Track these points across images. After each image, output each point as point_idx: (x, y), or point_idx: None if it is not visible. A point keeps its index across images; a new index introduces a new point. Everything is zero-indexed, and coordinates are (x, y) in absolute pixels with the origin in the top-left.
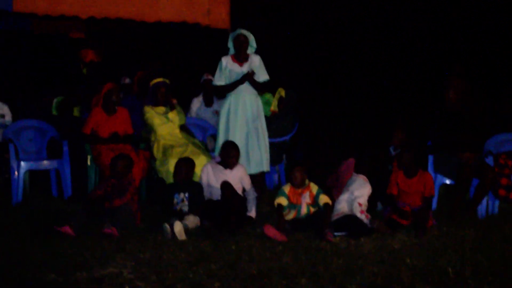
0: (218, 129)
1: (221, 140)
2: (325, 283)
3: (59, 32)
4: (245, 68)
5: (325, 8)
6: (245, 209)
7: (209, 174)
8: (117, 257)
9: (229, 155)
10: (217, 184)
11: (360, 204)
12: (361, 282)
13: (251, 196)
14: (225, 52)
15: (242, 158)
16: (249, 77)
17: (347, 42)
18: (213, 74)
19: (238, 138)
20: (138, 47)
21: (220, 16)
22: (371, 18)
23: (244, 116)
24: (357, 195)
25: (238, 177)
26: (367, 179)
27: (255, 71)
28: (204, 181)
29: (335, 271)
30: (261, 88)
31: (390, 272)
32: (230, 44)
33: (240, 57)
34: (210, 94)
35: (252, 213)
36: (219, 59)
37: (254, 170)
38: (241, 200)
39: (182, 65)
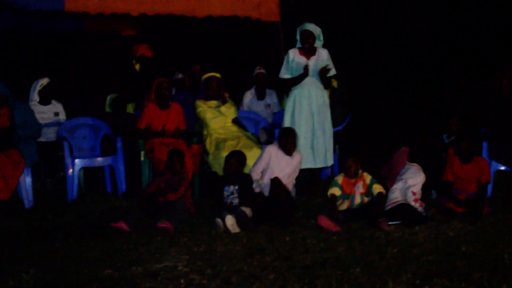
0: (283, 123)
1: (287, 124)
2: (379, 272)
3: (111, 31)
4: (312, 62)
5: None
6: (293, 203)
7: (272, 156)
8: (171, 251)
9: (288, 142)
10: (278, 167)
11: (414, 193)
12: (416, 271)
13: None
14: (276, 45)
15: (307, 152)
16: (323, 72)
17: (401, 31)
18: (264, 67)
19: (303, 132)
20: (190, 42)
21: (270, 9)
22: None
23: (309, 110)
24: (410, 183)
25: (295, 165)
26: (420, 168)
27: (321, 63)
28: (266, 160)
29: (389, 260)
30: (327, 82)
31: (446, 260)
32: (298, 38)
33: (307, 50)
34: (262, 87)
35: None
36: (270, 52)
37: (320, 164)
38: (289, 195)
39: (234, 59)
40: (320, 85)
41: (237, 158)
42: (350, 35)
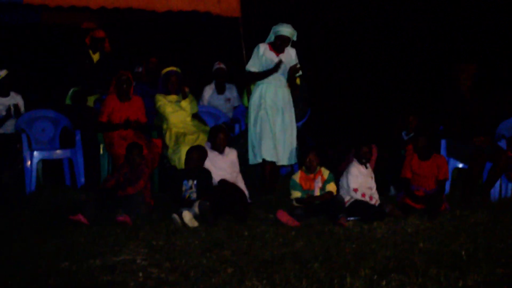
0: (247, 118)
1: (251, 129)
2: (338, 267)
3: (70, 23)
4: (282, 58)
5: None
6: (246, 198)
7: (208, 158)
8: (130, 245)
9: (217, 139)
10: (213, 169)
11: (355, 190)
12: (374, 266)
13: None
14: (236, 40)
15: (271, 147)
16: (293, 71)
17: (360, 27)
18: (224, 62)
19: (268, 127)
20: (150, 37)
21: (230, 5)
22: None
23: (275, 106)
24: (348, 184)
25: (230, 161)
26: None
27: (288, 62)
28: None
29: (348, 256)
30: (294, 82)
31: (404, 256)
32: (272, 36)
33: (279, 48)
34: (222, 81)
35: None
36: (230, 47)
37: (284, 161)
38: (241, 192)
39: (194, 54)
40: (285, 83)
41: (198, 153)
42: (307, 29)
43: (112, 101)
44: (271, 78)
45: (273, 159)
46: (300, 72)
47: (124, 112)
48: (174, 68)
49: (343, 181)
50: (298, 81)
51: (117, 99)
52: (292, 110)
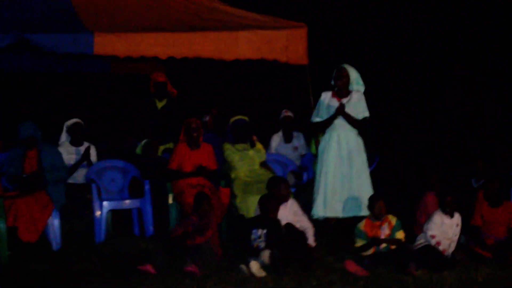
0: (318, 167)
1: (317, 179)
2: None
3: (139, 73)
4: (344, 102)
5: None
6: (308, 246)
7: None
8: None
9: (279, 190)
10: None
11: (432, 236)
12: None
13: (310, 230)
14: (303, 88)
15: (334, 199)
16: (339, 110)
17: (429, 75)
18: (291, 110)
19: (331, 178)
20: (218, 85)
21: (297, 53)
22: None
23: (338, 154)
24: (428, 231)
25: (292, 211)
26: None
27: (353, 106)
28: None
29: None
30: (359, 125)
31: None
32: (333, 81)
33: (341, 93)
34: (290, 129)
35: (311, 241)
36: (298, 95)
37: (348, 213)
38: (303, 238)
39: (261, 102)
40: (352, 129)
41: (274, 202)
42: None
43: (182, 149)
44: (335, 126)
45: (335, 215)
46: (362, 115)
47: (194, 159)
48: (242, 117)
49: (424, 226)
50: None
51: (187, 146)
52: (362, 156)
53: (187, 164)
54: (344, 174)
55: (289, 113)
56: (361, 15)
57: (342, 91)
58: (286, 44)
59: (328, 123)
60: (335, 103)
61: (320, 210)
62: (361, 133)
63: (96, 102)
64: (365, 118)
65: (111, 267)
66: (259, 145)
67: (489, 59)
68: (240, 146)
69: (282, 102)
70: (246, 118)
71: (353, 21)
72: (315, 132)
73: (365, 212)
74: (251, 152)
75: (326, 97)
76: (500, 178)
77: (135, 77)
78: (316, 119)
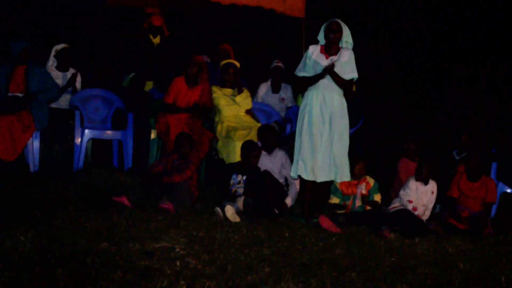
0: (297, 125)
1: (297, 138)
2: (375, 279)
3: (134, 7)
4: (333, 61)
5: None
6: (283, 196)
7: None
8: (170, 233)
9: (265, 139)
10: (262, 167)
11: (409, 201)
12: (411, 282)
13: (293, 188)
14: (298, 41)
15: (309, 166)
16: (327, 70)
17: (420, 39)
18: (283, 61)
19: (310, 140)
20: (211, 28)
21: (295, 4)
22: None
23: (321, 116)
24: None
25: (279, 162)
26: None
27: (342, 66)
28: None
29: (386, 269)
30: (345, 86)
31: (442, 275)
32: (321, 35)
33: (330, 49)
34: (278, 80)
35: (288, 200)
36: (291, 47)
37: (322, 177)
38: (280, 187)
39: (254, 49)
40: (338, 90)
41: (256, 150)
42: (374, 37)
43: (179, 84)
44: (320, 85)
45: (309, 178)
46: (350, 76)
47: (190, 96)
48: (232, 61)
49: (400, 192)
50: (353, 87)
51: (184, 82)
52: (345, 120)
53: (182, 100)
54: (324, 137)
55: (280, 64)
56: (428, 18)
57: (332, 47)
58: None
59: (314, 80)
60: (323, 60)
61: (299, 171)
62: (346, 94)
63: (88, 31)
64: (352, 79)
65: (86, 195)
66: (246, 93)
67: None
68: (227, 91)
69: (274, 53)
70: (236, 62)
71: (418, 25)
72: (299, 87)
73: (339, 179)
74: (237, 98)
75: (314, 52)
76: (482, 153)
77: (130, 11)
78: (301, 73)
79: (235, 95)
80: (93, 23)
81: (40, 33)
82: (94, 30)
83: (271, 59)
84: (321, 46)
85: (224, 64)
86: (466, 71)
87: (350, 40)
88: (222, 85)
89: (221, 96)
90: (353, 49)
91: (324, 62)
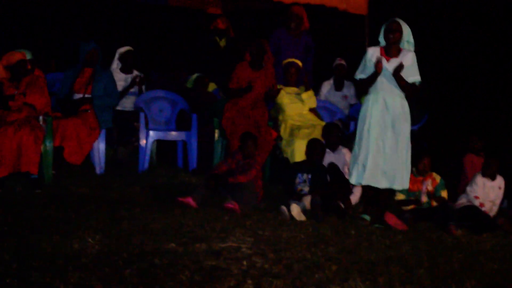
0: (357, 130)
1: (356, 144)
2: (443, 276)
3: (196, 7)
4: (392, 64)
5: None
6: (349, 192)
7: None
8: (236, 232)
9: (331, 137)
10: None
11: (476, 197)
12: (480, 278)
13: (357, 186)
14: (360, 38)
15: (377, 168)
16: (398, 71)
17: (484, 33)
18: (346, 59)
19: (374, 145)
20: (274, 27)
21: (358, 2)
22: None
23: (381, 120)
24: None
25: (343, 160)
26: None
27: (405, 68)
28: None
29: (454, 265)
30: (409, 90)
31: (511, 272)
32: (381, 36)
33: (390, 51)
34: (341, 78)
35: (353, 197)
36: (354, 45)
37: (383, 184)
38: (346, 182)
39: (316, 48)
40: (399, 93)
41: (321, 148)
42: (438, 33)
43: (243, 69)
44: (380, 87)
45: (371, 184)
46: (413, 79)
47: (254, 80)
48: (294, 60)
49: (467, 187)
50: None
51: (249, 67)
52: (406, 125)
53: (246, 84)
54: (387, 143)
55: (343, 62)
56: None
57: (392, 48)
58: None
59: (370, 81)
60: (383, 62)
61: (358, 177)
62: (408, 98)
63: (151, 32)
64: (414, 83)
65: (151, 196)
66: (310, 92)
67: None
68: (290, 89)
69: (337, 50)
70: (298, 61)
71: (479, 24)
72: (360, 90)
73: (398, 186)
74: (304, 95)
75: (374, 54)
76: None
77: (191, 11)
78: (361, 75)
79: (299, 94)
80: (155, 24)
81: (104, 36)
82: (157, 31)
83: (333, 57)
84: (381, 47)
85: (286, 63)
86: None
87: (412, 40)
88: (285, 83)
89: (284, 95)
90: (417, 45)
91: (385, 64)
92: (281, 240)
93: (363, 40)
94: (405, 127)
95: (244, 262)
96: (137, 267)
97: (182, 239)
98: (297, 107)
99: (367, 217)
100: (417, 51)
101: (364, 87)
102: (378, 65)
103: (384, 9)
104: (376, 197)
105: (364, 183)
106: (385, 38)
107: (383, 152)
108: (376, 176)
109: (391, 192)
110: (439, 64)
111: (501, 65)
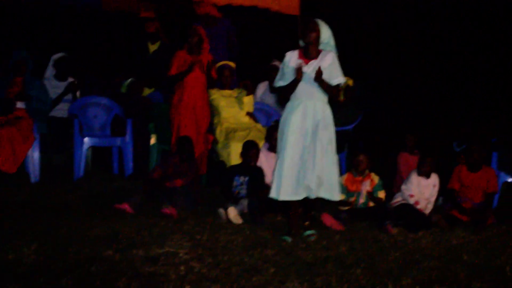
0: (277, 141)
1: (278, 150)
2: (380, 274)
3: (129, 11)
4: (311, 67)
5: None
6: None
7: (262, 160)
8: (174, 237)
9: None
10: (269, 170)
11: (411, 196)
12: (417, 276)
13: None
14: (294, 39)
15: (293, 180)
16: (316, 78)
17: (417, 34)
18: (280, 60)
19: (290, 154)
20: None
21: (290, 2)
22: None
23: (301, 128)
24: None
25: None
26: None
27: (325, 70)
28: (260, 162)
29: (391, 264)
30: (332, 93)
31: (447, 268)
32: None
33: (309, 52)
34: None
35: None
36: (287, 45)
37: (303, 194)
38: None
39: (250, 50)
40: (321, 97)
41: (256, 150)
42: (369, 34)
43: (182, 56)
44: (299, 93)
45: (293, 198)
46: (337, 81)
47: (195, 63)
48: (227, 62)
49: (402, 186)
50: (350, 82)
51: (187, 54)
52: (330, 129)
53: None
54: (306, 152)
55: (277, 63)
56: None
57: (311, 50)
58: None
59: (290, 89)
60: (302, 65)
61: (277, 191)
62: (331, 101)
63: (85, 37)
64: (338, 85)
65: (88, 204)
66: (251, 96)
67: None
68: (226, 92)
69: (271, 52)
70: (231, 63)
71: (372, 21)
72: (279, 99)
73: (329, 196)
74: (242, 99)
75: (292, 58)
76: (482, 143)
77: (126, 16)
78: (280, 83)
79: (235, 96)
80: (89, 29)
81: (38, 42)
82: (91, 36)
83: (268, 58)
84: (299, 50)
85: (219, 67)
86: (464, 64)
87: (332, 42)
88: (221, 87)
89: (220, 98)
90: (351, 44)
91: (304, 67)
92: (219, 244)
93: (297, 40)
94: (326, 134)
95: (182, 268)
96: (74, 275)
97: (119, 245)
98: (233, 111)
99: (288, 239)
100: (351, 49)
101: (284, 95)
102: (298, 72)
103: (316, 9)
104: (300, 209)
105: (281, 198)
106: (302, 38)
107: (301, 161)
108: (294, 189)
109: (313, 206)
110: (373, 63)
111: (434, 63)
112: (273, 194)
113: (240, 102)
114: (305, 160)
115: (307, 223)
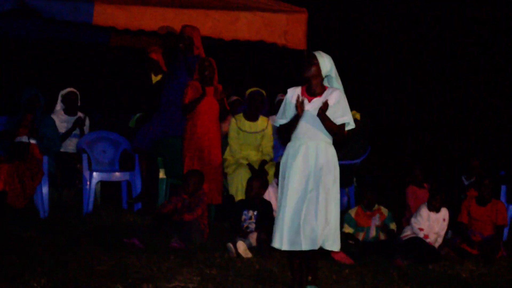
0: (278, 186)
1: (279, 195)
2: None
3: (137, 47)
4: (314, 105)
5: (406, 35)
6: None
7: (271, 196)
8: (183, 272)
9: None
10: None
11: (420, 229)
12: None
13: None
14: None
15: (295, 230)
16: (322, 109)
17: (428, 63)
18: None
19: (291, 203)
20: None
21: (297, 37)
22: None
23: (302, 172)
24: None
25: None
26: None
27: (330, 108)
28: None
29: None
30: (335, 132)
31: None
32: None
33: (312, 89)
34: None
35: None
36: (295, 80)
37: (305, 246)
38: None
39: (258, 85)
40: (324, 138)
41: (260, 182)
42: (378, 68)
43: (195, 85)
44: (301, 133)
45: (293, 248)
46: (342, 120)
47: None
48: (259, 89)
49: (412, 219)
50: (358, 115)
51: (199, 85)
52: (335, 173)
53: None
54: (308, 199)
55: (284, 97)
56: (363, 4)
57: (314, 87)
58: (285, 28)
59: (291, 126)
60: (305, 103)
61: (279, 241)
62: (336, 142)
63: (93, 72)
64: (343, 124)
65: (97, 238)
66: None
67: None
68: (247, 125)
69: (278, 86)
70: (262, 90)
71: (354, 9)
72: (282, 139)
73: (329, 246)
74: (255, 136)
75: (294, 94)
76: (492, 177)
77: (133, 51)
78: (281, 120)
79: (256, 130)
80: (98, 64)
81: (47, 78)
82: (99, 71)
83: (274, 92)
84: (302, 87)
85: (250, 92)
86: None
87: (333, 74)
88: (248, 113)
89: (238, 132)
90: (358, 77)
91: (307, 105)
92: (228, 278)
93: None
94: (330, 177)
95: None
96: None
97: (128, 280)
98: (245, 148)
99: None
100: (358, 85)
101: (286, 133)
102: (299, 106)
103: (323, 43)
104: (304, 261)
105: (284, 248)
106: (302, 73)
107: (303, 209)
108: (296, 238)
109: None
110: (380, 97)
111: (441, 98)
112: (275, 244)
113: (258, 141)
114: (308, 209)
115: (310, 277)
